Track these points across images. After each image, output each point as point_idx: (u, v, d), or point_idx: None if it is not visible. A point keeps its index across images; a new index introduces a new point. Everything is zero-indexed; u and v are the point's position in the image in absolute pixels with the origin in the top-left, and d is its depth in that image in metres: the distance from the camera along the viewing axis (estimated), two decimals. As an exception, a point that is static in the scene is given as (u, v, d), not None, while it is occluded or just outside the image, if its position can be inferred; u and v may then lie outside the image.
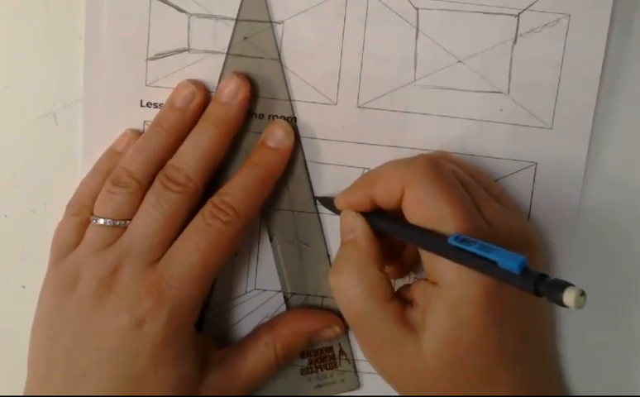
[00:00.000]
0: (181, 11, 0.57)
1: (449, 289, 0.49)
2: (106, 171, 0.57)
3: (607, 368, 0.62)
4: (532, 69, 0.57)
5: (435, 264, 0.50)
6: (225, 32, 0.58)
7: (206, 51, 0.58)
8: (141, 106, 0.59)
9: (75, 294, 0.54)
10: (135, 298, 0.53)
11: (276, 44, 0.58)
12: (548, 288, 0.40)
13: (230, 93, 0.56)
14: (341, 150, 0.59)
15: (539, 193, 0.59)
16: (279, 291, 0.61)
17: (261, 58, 0.58)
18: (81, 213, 0.57)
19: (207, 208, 0.55)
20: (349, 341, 0.62)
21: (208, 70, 0.58)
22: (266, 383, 0.61)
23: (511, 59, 0.57)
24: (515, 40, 0.57)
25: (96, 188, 0.57)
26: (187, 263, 0.53)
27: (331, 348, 0.62)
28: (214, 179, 0.58)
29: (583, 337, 0.61)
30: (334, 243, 0.60)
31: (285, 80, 0.58)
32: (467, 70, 0.57)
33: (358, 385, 0.62)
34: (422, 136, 0.58)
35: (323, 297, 0.61)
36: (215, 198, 0.55)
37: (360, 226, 0.54)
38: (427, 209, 0.50)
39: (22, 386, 0.56)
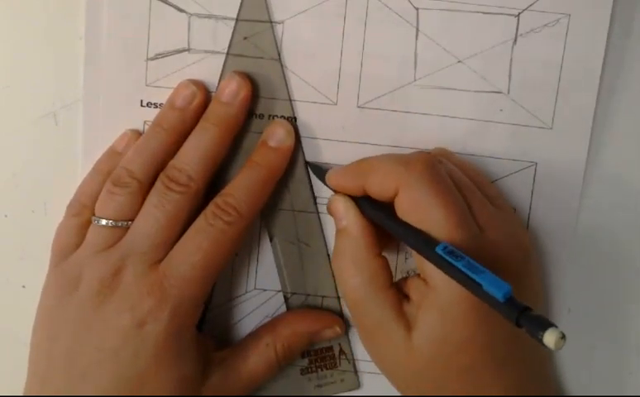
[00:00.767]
0: (181, 11, 0.57)
1: (438, 289, 0.50)
2: (106, 172, 0.57)
3: (607, 368, 0.62)
4: (532, 69, 0.57)
5: (425, 264, 0.50)
6: (225, 32, 0.58)
7: (206, 51, 0.58)
8: (141, 106, 0.59)
9: (76, 295, 0.54)
10: (137, 299, 0.53)
11: (276, 44, 0.58)
12: (530, 323, 0.41)
13: (231, 92, 0.56)
14: (341, 150, 0.59)
15: (539, 193, 0.59)
16: (279, 291, 0.62)
17: (261, 58, 0.58)
18: (82, 214, 0.57)
19: (210, 208, 0.55)
20: (349, 341, 0.62)
21: (208, 70, 0.58)
22: (267, 383, 0.61)
23: (511, 59, 0.57)
24: (515, 40, 0.57)
25: (96, 189, 0.57)
26: (189, 263, 0.53)
27: (331, 348, 0.62)
28: (215, 179, 0.58)
29: (582, 337, 0.61)
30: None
31: (285, 80, 0.58)
32: (467, 70, 0.58)
33: (358, 385, 0.63)
34: (422, 136, 0.58)
35: (323, 297, 0.61)
36: (217, 199, 0.55)
37: (351, 214, 0.54)
38: (420, 212, 0.50)
39: (22, 386, 0.56)
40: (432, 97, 0.58)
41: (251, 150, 0.58)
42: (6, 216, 0.61)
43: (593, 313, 0.61)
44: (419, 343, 0.50)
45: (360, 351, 0.62)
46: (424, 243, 0.49)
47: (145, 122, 0.59)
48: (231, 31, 0.58)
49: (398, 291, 0.53)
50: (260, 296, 0.62)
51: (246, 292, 0.62)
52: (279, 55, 0.58)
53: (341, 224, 0.55)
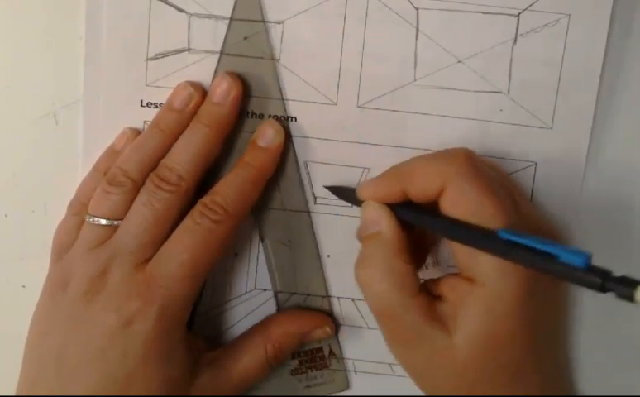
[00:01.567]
0: (181, 11, 0.58)
1: (487, 285, 0.49)
2: (105, 170, 0.58)
3: (611, 366, 0.63)
4: (532, 69, 0.58)
5: (473, 259, 0.49)
6: (225, 32, 0.58)
7: (206, 51, 0.58)
8: (141, 106, 0.59)
9: (68, 293, 0.54)
10: (124, 298, 0.53)
11: (271, 43, 0.58)
12: (617, 285, 0.40)
13: (222, 92, 0.57)
14: (341, 150, 0.59)
15: (539, 193, 0.59)
16: (280, 291, 0.62)
17: (258, 58, 0.58)
18: (81, 212, 0.57)
19: (197, 207, 0.55)
20: (338, 341, 0.62)
21: (208, 70, 0.59)
22: (258, 384, 0.61)
23: (511, 59, 0.57)
24: (515, 40, 0.57)
25: (96, 188, 0.57)
26: (176, 262, 0.53)
27: (321, 349, 0.62)
28: (208, 180, 0.58)
29: (586, 334, 0.62)
30: (324, 243, 0.61)
31: (281, 80, 0.59)
32: (467, 70, 0.58)
33: (348, 386, 0.63)
34: (423, 136, 0.59)
35: (314, 296, 0.62)
36: (205, 198, 0.55)
37: (385, 218, 0.53)
38: (469, 205, 0.49)
39: (21, 385, 0.56)
40: (432, 97, 0.58)
41: (241, 148, 0.59)
42: (6, 216, 0.62)
43: (594, 311, 0.61)
44: (461, 342, 0.49)
45: (350, 351, 0.62)
46: (481, 234, 0.48)
47: (144, 122, 0.59)
48: (231, 30, 0.58)
49: (427, 293, 0.52)
50: (260, 296, 0.62)
51: (246, 292, 0.62)
52: (277, 54, 0.58)
53: (371, 230, 0.53)
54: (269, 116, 0.59)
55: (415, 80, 0.58)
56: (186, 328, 0.56)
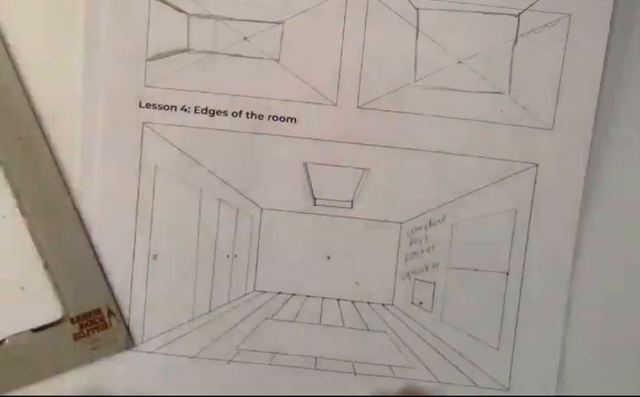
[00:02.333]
0: (180, 11, 0.58)
1: None
2: None
3: (616, 369, 0.63)
4: (532, 69, 0.58)
5: None
6: (225, 32, 0.58)
7: (206, 51, 0.58)
8: (140, 107, 0.59)
9: None
10: None
11: (276, 44, 0.58)
12: None
13: None
14: (341, 151, 0.59)
15: (540, 194, 0.59)
16: (280, 292, 0.62)
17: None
18: None
19: None
20: (116, 300, 0.62)
21: (208, 71, 0.59)
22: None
23: (512, 60, 0.58)
24: (516, 41, 0.57)
25: None
26: None
27: (99, 310, 0.61)
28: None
29: (590, 337, 0.62)
30: (324, 244, 0.62)
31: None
32: (468, 71, 0.58)
33: (133, 344, 0.62)
34: (423, 136, 0.59)
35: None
36: None
37: None
38: None
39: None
40: (433, 97, 0.58)
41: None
42: (4, 217, 0.62)
43: (598, 312, 0.62)
44: None
45: (351, 353, 0.63)
46: None
47: (143, 124, 0.59)
48: (231, 30, 0.58)
49: None
50: (260, 298, 0.62)
51: (245, 294, 0.62)
52: (279, 55, 0.58)
53: None
54: (274, 117, 0.59)
55: (415, 81, 0.58)
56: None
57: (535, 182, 0.59)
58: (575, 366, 0.62)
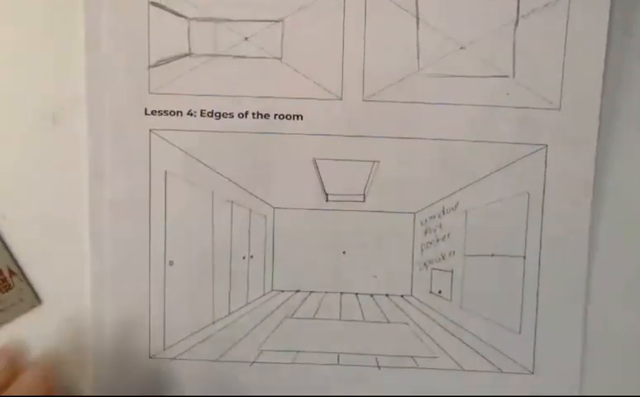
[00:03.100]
0: (180, 16, 0.58)
1: None
2: None
3: (633, 360, 0.63)
4: (535, 50, 0.58)
5: None
6: (225, 34, 0.58)
7: (207, 54, 0.59)
8: (146, 114, 0.60)
9: None
10: None
11: (277, 42, 0.58)
12: None
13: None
14: (349, 145, 0.59)
15: (552, 175, 0.59)
16: (298, 290, 0.62)
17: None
18: None
19: None
20: (14, 259, 0.62)
21: (211, 73, 0.59)
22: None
23: (514, 42, 0.57)
24: (517, 22, 0.57)
25: None
26: None
27: (0, 272, 0.62)
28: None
29: (611, 316, 0.62)
30: (338, 240, 0.62)
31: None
32: (471, 56, 0.58)
33: (39, 302, 0.62)
34: (430, 125, 0.59)
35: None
36: None
37: None
38: None
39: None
40: (438, 85, 0.58)
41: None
42: (4, 217, 0.62)
43: (615, 298, 0.61)
44: None
45: (372, 346, 0.63)
46: None
47: (150, 131, 0.59)
48: (232, 32, 0.58)
49: None
50: (278, 297, 0.63)
51: (264, 294, 0.62)
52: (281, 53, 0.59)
53: None
54: (280, 115, 0.59)
55: (419, 70, 0.58)
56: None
57: (546, 163, 0.59)
58: (598, 345, 0.62)
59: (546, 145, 0.59)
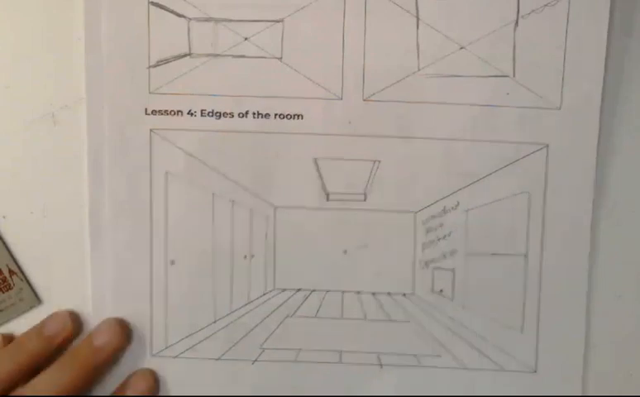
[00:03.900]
0: (180, 16, 0.58)
1: None
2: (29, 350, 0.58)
3: (636, 358, 0.63)
4: (536, 50, 0.58)
5: None
6: (225, 34, 0.59)
7: (207, 54, 0.59)
8: (146, 114, 0.60)
9: None
10: None
11: (277, 42, 0.59)
12: None
13: (104, 340, 0.58)
14: (350, 145, 0.60)
15: (553, 174, 0.59)
16: (299, 289, 0.63)
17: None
18: None
19: None
20: (14, 259, 0.62)
21: (211, 73, 0.59)
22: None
23: (514, 42, 0.58)
24: (517, 22, 0.57)
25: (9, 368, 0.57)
26: None
27: (0, 271, 0.62)
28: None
29: (614, 314, 0.62)
30: (340, 239, 0.62)
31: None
32: (471, 56, 0.58)
33: (39, 301, 0.63)
34: (430, 125, 0.59)
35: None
36: (20, 390, 0.56)
37: None
38: None
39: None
40: (438, 85, 0.59)
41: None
42: (4, 217, 0.62)
43: (617, 296, 0.62)
44: None
45: (374, 345, 0.63)
46: None
47: (151, 131, 0.60)
48: (231, 32, 0.59)
49: None
50: (280, 296, 0.63)
51: (265, 293, 0.63)
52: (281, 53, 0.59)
53: None
54: (281, 115, 0.60)
55: (419, 69, 0.58)
56: None
57: (547, 162, 0.59)
58: (601, 343, 0.62)
59: (547, 145, 0.59)
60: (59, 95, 0.60)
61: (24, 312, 0.63)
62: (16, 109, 0.61)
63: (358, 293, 0.62)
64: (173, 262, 0.62)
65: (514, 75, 0.58)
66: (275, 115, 0.59)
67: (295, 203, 0.61)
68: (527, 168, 0.59)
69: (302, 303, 0.63)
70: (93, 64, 0.59)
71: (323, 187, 0.61)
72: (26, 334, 0.59)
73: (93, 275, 0.61)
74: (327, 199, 0.61)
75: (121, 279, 0.61)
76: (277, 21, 0.58)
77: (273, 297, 0.63)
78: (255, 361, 0.63)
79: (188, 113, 0.59)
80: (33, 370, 0.57)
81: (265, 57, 0.59)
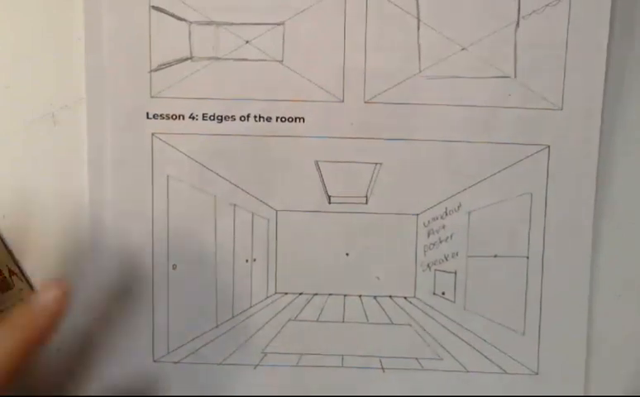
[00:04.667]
0: (181, 19, 0.58)
1: None
2: None
3: (638, 360, 0.63)
4: (537, 50, 0.58)
5: None
6: (226, 37, 0.59)
7: (209, 58, 0.59)
8: (148, 118, 0.60)
9: None
10: None
11: (278, 45, 0.59)
12: None
13: (45, 303, 0.54)
14: (352, 147, 0.60)
15: (554, 175, 0.59)
16: (301, 293, 0.63)
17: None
18: None
19: None
20: (14, 259, 0.62)
21: (213, 77, 0.59)
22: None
23: (515, 43, 0.58)
24: (518, 23, 0.57)
25: None
26: None
27: (0, 271, 0.62)
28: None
29: (615, 316, 0.62)
30: (342, 242, 0.62)
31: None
32: (472, 57, 0.58)
33: None
34: (432, 126, 0.59)
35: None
36: None
37: None
38: None
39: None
40: (439, 86, 0.59)
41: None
42: (4, 217, 0.62)
43: (619, 298, 0.62)
44: None
45: (376, 348, 0.63)
46: None
47: (152, 134, 0.60)
48: (233, 35, 0.59)
49: None
50: (282, 300, 0.63)
51: (267, 297, 0.63)
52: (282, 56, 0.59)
53: None
54: (282, 118, 0.60)
55: (420, 71, 0.58)
56: None
57: (548, 164, 0.59)
58: (603, 345, 0.62)
59: (549, 146, 0.59)
60: (59, 95, 0.60)
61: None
62: (16, 109, 0.61)
63: (360, 296, 0.62)
64: (175, 266, 0.62)
65: (515, 76, 0.58)
66: (277, 118, 0.59)
67: (297, 207, 0.61)
68: (529, 169, 0.59)
69: (304, 307, 0.63)
70: (93, 65, 0.59)
71: (325, 190, 0.61)
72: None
73: (95, 278, 0.61)
74: (329, 202, 0.61)
75: (122, 284, 0.61)
76: (278, 24, 0.58)
77: (275, 301, 0.63)
78: (258, 365, 0.63)
79: (189, 117, 0.60)
80: None
81: (266, 60, 0.59)
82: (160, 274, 0.62)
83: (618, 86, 0.58)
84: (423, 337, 0.62)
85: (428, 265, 0.62)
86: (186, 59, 0.59)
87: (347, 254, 0.62)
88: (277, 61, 0.59)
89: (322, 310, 0.63)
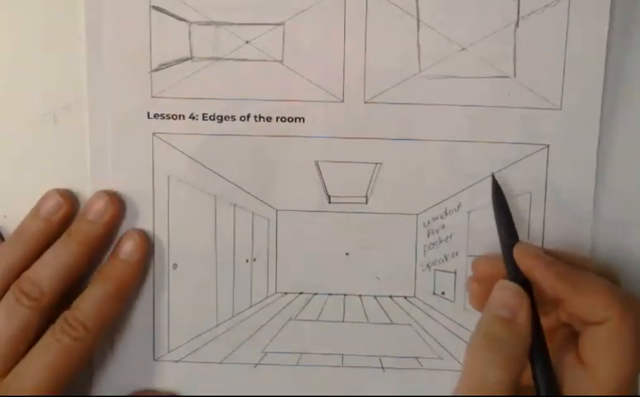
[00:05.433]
0: (181, 19, 0.58)
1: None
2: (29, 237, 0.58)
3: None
4: (536, 50, 0.58)
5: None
6: (226, 37, 0.59)
7: (209, 58, 0.59)
8: (149, 118, 0.60)
9: None
10: None
11: (278, 45, 0.59)
12: None
13: (97, 211, 0.58)
14: (351, 147, 0.60)
15: (554, 175, 0.59)
16: (301, 292, 0.63)
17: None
18: None
19: (59, 323, 0.55)
20: None
21: (213, 77, 0.59)
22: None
23: (515, 43, 0.58)
24: (517, 23, 0.57)
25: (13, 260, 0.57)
26: (34, 380, 0.53)
27: None
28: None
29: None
30: (341, 241, 0.62)
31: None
32: (472, 57, 0.58)
33: None
34: (431, 126, 0.59)
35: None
36: (67, 313, 0.55)
37: (525, 309, 0.50)
38: (628, 351, 0.48)
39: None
40: (439, 86, 0.59)
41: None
42: (5, 216, 0.62)
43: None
44: None
45: (376, 348, 0.63)
46: None
47: (153, 134, 0.60)
48: (233, 35, 0.59)
49: None
50: (282, 300, 0.63)
51: (267, 297, 0.63)
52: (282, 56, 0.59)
53: (505, 314, 0.50)
54: (283, 118, 0.60)
55: (420, 71, 0.58)
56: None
57: (547, 163, 0.59)
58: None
59: (548, 146, 0.59)
60: (59, 95, 0.60)
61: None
62: (17, 109, 0.61)
63: (360, 296, 0.62)
64: (175, 266, 0.62)
65: (515, 76, 0.58)
66: (277, 118, 0.59)
67: (297, 206, 0.61)
68: (528, 169, 0.59)
69: (304, 307, 0.63)
70: (94, 68, 0.59)
71: (325, 190, 0.61)
72: (25, 220, 0.59)
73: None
74: (329, 202, 0.61)
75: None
76: (278, 25, 0.58)
77: (275, 300, 0.63)
78: (258, 364, 0.63)
79: (189, 117, 0.60)
80: (38, 254, 0.57)
81: (266, 60, 0.59)
82: (160, 273, 0.62)
83: (617, 86, 0.58)
84: (423, 336, 0.62)
85: (428, 265, 0.62)
86: (186, 59, 0.59)
87: (347, 254, 0.62)
88: (277, 61, 0.59)
89: (322, 310, 0.63)
